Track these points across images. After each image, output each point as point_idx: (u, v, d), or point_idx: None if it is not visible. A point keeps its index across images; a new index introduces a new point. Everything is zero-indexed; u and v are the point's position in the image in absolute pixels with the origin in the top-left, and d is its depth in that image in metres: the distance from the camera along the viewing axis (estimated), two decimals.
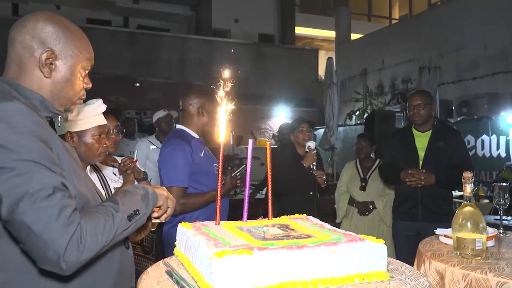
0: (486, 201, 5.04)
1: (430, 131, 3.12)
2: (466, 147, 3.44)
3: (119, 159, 2.35)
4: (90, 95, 1.84)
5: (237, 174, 2.50)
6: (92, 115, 1.89)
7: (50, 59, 1.17)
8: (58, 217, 0.95)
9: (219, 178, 1.66)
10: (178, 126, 2.60)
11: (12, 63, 1.18)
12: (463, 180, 1.69)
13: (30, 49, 1.16)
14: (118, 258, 1.25)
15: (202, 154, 2.49)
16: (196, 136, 2.55)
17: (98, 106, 1.92)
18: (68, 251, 0.95)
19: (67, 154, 1.16)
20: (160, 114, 4.76)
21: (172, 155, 2.41)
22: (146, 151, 4.45)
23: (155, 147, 4.50)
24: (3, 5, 13.18)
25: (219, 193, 1.65)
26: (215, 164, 2.58)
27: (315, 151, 3.32)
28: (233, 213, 2.13)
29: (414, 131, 3.19)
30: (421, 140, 3.13)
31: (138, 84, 10.84)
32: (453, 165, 2.94)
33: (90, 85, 1.28)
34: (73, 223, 0.96)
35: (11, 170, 0.96)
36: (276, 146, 6.09)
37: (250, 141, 1.65)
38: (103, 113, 2.08)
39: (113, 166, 2.32)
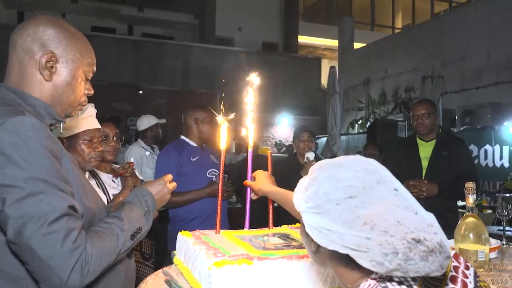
0: (489, 211, 5.00)
1: (434, 140, 3.10)
2: (471, 156, 3.39)
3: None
4: (95, 102, 1.83)
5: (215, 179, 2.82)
6: (79, 119, 1.83)
7: (51, 62, 1.15)
8: (64, 243, 0.96)
9: (220, 187, 1.66)
10: (181, 137, 2.95)
11: (13, 68, 1.16)
12: (465, 191, 1.67)
13: (30, 51, 1.14)
14: (124, 267, 1.24)
15: (194, 160, 2.80)
16: (194, 144, 2.88)
17: (85, 109, 1.84)
18: (71, 276, 0.96)
19: (74, 167, 1.15)
20: (146, 121, 4.60)
21: (159, 158, 2.91)
22: (142, 157, 4.31)
23: (149, 153, 4.41)
24: (9, 13, 13.32)
25: (219, 202, 1.64)
26: (210, 170, 2.85)
27: (313, 162, 3.30)
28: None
29: (418, 140, 3.17)
30: (425, 150, 3.11)
31: (142, 92, 10.87)
32: (458, 174, 2.92)
33: (92, 92, 1.26)
34: (79, 248, 0.97)
35: (21, 190, 0.96)
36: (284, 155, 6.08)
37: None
38: (104, 121, 2.06)
39: (113, 175, 2.31)
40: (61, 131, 1.32)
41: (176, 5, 14.43)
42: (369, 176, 0.80)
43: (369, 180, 0.80)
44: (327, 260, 0.85)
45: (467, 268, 0.86)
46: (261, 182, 1.56)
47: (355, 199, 0.77)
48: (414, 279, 0.77)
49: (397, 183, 0.82)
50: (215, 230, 1.59)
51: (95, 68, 1.26)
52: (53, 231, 0.95)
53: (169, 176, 1.40)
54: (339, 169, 0.82)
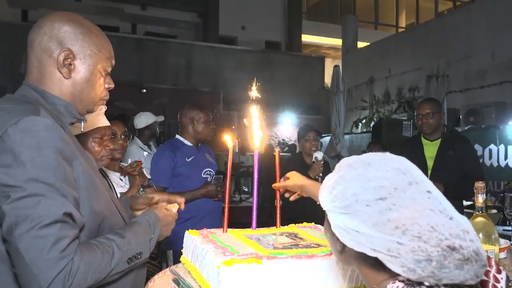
0: (494, 211, 4.98)
1: (439, 139, 3.08)
2: (477, 155, 3.37)
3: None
4: None
5: (212, 181, 2.79)
6: (89, 117, 1.80)
7: (69, 59, 1.13)
8: (51, 249, 0.92)
9: (228, 184, 1.65)
10: (177, 136, 2.94)
11: (33, 67, 1.15)
12: (474, 190, 1.66)
13: (48, 50, 1.12)
14: (133, 273, 1.19)
15: (189, 160, 2.79)
16: (189, 144, 2.86)
17: None
18: (52, 286, 0.92)
19: (88, 168, 1.12)
20: (144, 120, 4.47)
21: (154, 159, 2.90)
22: (140, 158, 4.03)
23: (147, 153, 4.29)
24: (13, 12, 13.35)
25: (227, 201, 1.64)
26: (205, 170, 2.85)
27: (322, 162, 3.28)
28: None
29: (423, 140, 3.15)
30: (430, 149, 3.09)
31: (145, 90, 10.87)
32: (464, 174, 2.90)
33: (113, 85, 1.25)
34: (65, 258, 0.94)
35: (22, 190, 0.94)
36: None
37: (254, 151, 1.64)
38: (111, 118, 2.05)
39: (121, 174, 2.30)
40: (81, 130, 1.29)
41: (180, 3, 14.46)
42: (400, 176, 0.77)
43: (401, 181, 0.76)
44: (352, 260, 0.82)
45: (498, 271, 0.82)
46: (294, 178, 1.56)
47: (386, 201, 0.74)
48: (445, 284, 0.73)
49: (430, 185, 0.78)
50: (222, 229, 1.58)
51: (113, 62, 1.25)
52: (42, 236, 0.93)
53: (177, 207, 1.37)
54: (368, 168, 0.79)
